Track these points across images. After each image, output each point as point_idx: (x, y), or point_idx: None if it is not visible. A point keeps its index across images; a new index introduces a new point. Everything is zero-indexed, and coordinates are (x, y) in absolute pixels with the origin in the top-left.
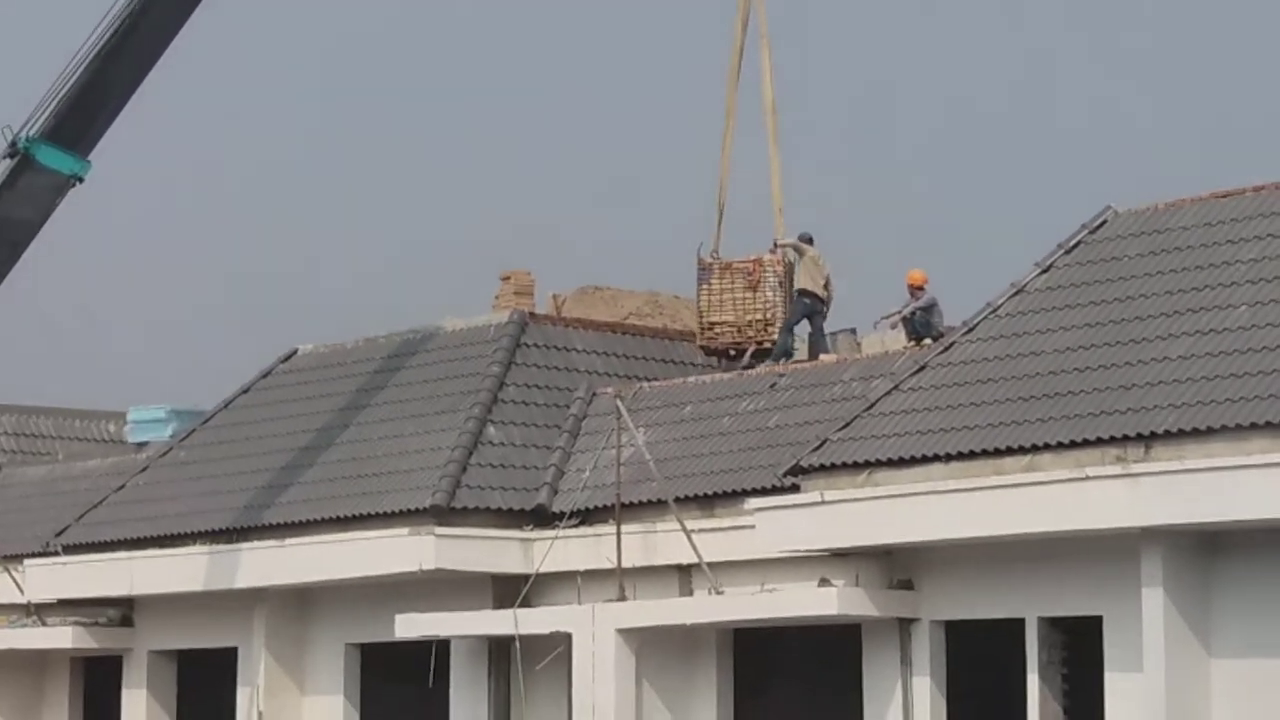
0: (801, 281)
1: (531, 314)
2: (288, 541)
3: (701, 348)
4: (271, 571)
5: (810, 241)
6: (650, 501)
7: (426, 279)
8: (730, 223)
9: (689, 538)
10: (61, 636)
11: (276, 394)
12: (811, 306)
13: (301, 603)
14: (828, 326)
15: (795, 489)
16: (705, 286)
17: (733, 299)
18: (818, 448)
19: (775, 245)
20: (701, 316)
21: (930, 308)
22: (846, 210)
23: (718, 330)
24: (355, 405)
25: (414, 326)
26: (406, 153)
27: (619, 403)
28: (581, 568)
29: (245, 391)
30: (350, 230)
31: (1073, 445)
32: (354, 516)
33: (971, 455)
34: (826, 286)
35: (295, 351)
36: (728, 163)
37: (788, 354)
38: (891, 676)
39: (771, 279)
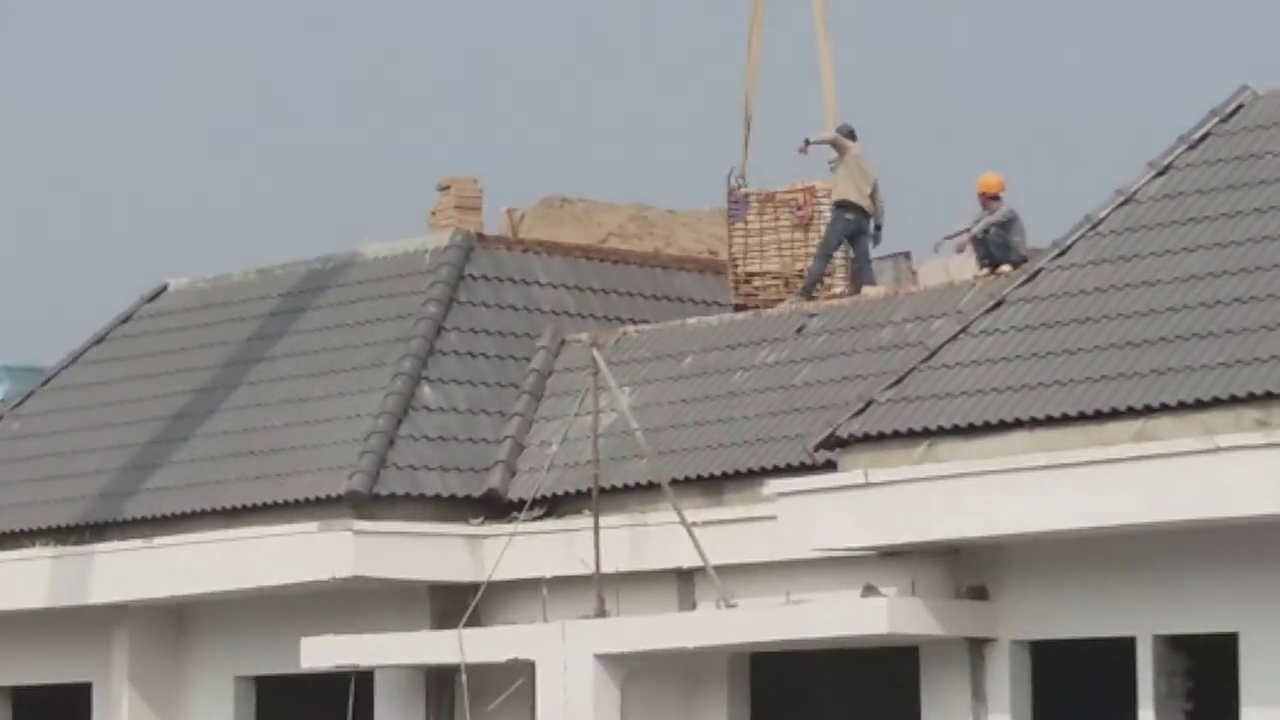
0: (841, 190)
1: (479, 235)
2: (157, 542)
3: (736, 306)
4: (136, 582)
5: (852, 136)
6: (639, 485)
7: (339, 189)
8: (762, 142)
9: (690, 533)
10: None
11: (140, 345)
12: (855, 224)
13: (176, 623)
14: (875, 250)
15: (831, 467)
16: (741, 225)
17: (776, 242)
18: (860, 412)
19: (807, 143)
20: (735, 265)
21: (1009, 224)
22: (898, 96)
23: (756, 284)
24: (245, 359)
25: (323, 253)
26: (307, 26)
27: (596, 353)
28: (548, 573)
29: (99, 342)
30: (233, 131)
31: (1200, 405)
32: (245, 508)
33: (1065, 420)
34: (873, 196)
35: (165, 288)
36: (757, 57)
37: (819, 285)
38: (959, 713)
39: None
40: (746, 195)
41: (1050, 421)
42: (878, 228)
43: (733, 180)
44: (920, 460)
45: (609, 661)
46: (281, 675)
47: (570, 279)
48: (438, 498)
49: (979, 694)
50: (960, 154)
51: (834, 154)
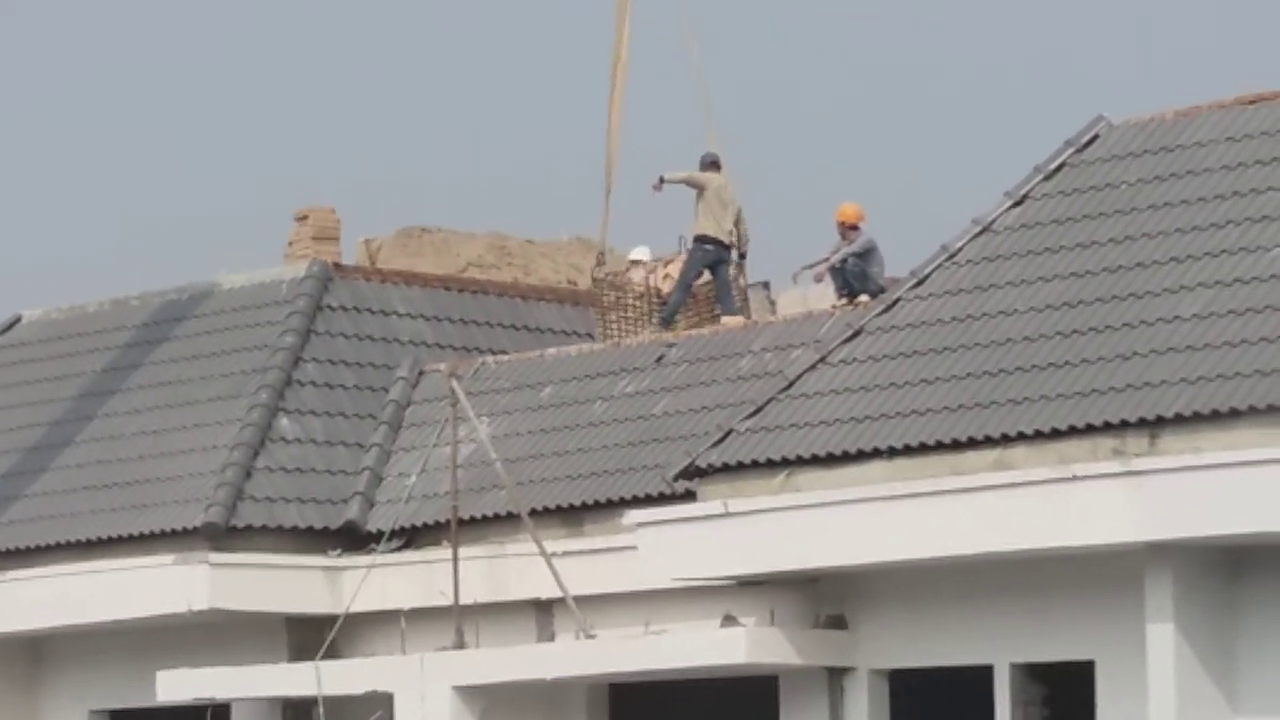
0: (701, 226)
1: (337, 265)
2: (10, 575)
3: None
4: None
5: (716, 166)
6: (498, 516)
7: (195, 219)
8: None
9: (549, 564)
10: None
11: None
12: (714, 254)
13: (31, 656)
14: (742, 280)
15: (690, 497)
16: (601, 320)
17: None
18: (719, 442)
19: (661, 181)
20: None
21: (867, 253)
22: (759, 126)
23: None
24: (100, 390)
25: (179, 284)
26: (163, 52)
27: (454, 384)
28: (406, 605)
29: None
30: (87, 159)
31: (1055, 435)
32: (101, 540)
33: (922, 449)
34: (737, 225)
35: (18, 319)
36: (618, 121)
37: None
38: None
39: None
40: (603, 282)
41: (908, 451)
42: (742, 256)
43: (596, 271)
44: (779, 490)
45: (467, 693)
46: (137, 709)
47: (429, 309)
48: (295, 529)
49: None
50: (819, 183)
51: (689, 189)
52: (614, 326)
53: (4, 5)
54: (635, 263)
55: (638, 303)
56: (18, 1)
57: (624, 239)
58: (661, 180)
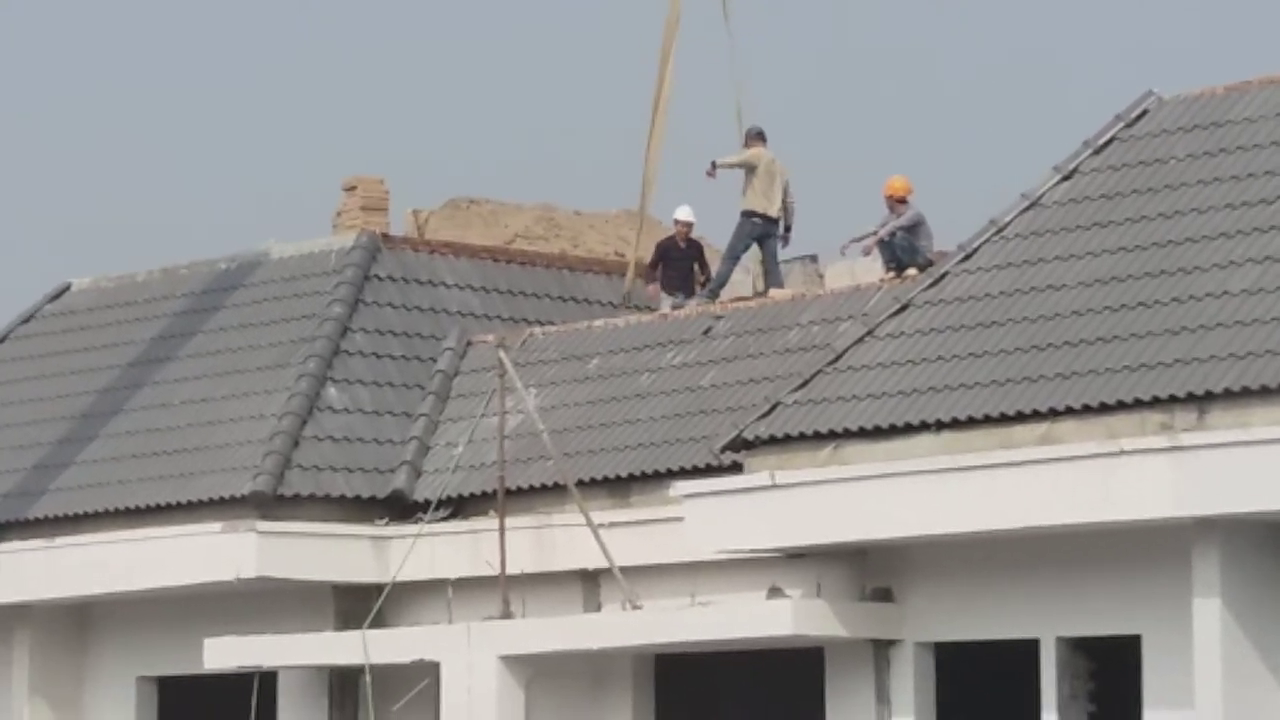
0: (749, 202)
1: (385, 236)
2: (59, 541)
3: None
4: (38, 582)
5: (762, 138)
6: (544, 486)
7: (245, 189)
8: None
9: (596, 534)
10: None
11: (42, 344)
12: (762, 228)
13: (79, 623)
14: (785, 251)
15: (737, 469)
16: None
17: None
18: (766, 414)
19: (714, 166)
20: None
21: (915, 227)
22: (807, 97)
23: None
24: (150, 359)
25: (229, 253)
26: (215, 25)
27: (502, 354)
28: (453, 575)
29: (0, 342)
30: (138, 129)
31: (1103, 409)
32: (149, 508)
33: (970, 423)
34: (785, 197)
35: (68, 287)
36: (658, 146)
37: (722, 287)
38: (864, 714)
39: None
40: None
41: (955, 424)
42: (788, 229)
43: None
44: (826, 462)
45: (514, 663)
46: (184, 676)
47: (476, 280)
48: (342, 498)
49: (883, 696)
50: (867, 156)
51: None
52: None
53: None
54: (680, 223)
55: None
56: None
57: (668, 212)
58: (714, 165)
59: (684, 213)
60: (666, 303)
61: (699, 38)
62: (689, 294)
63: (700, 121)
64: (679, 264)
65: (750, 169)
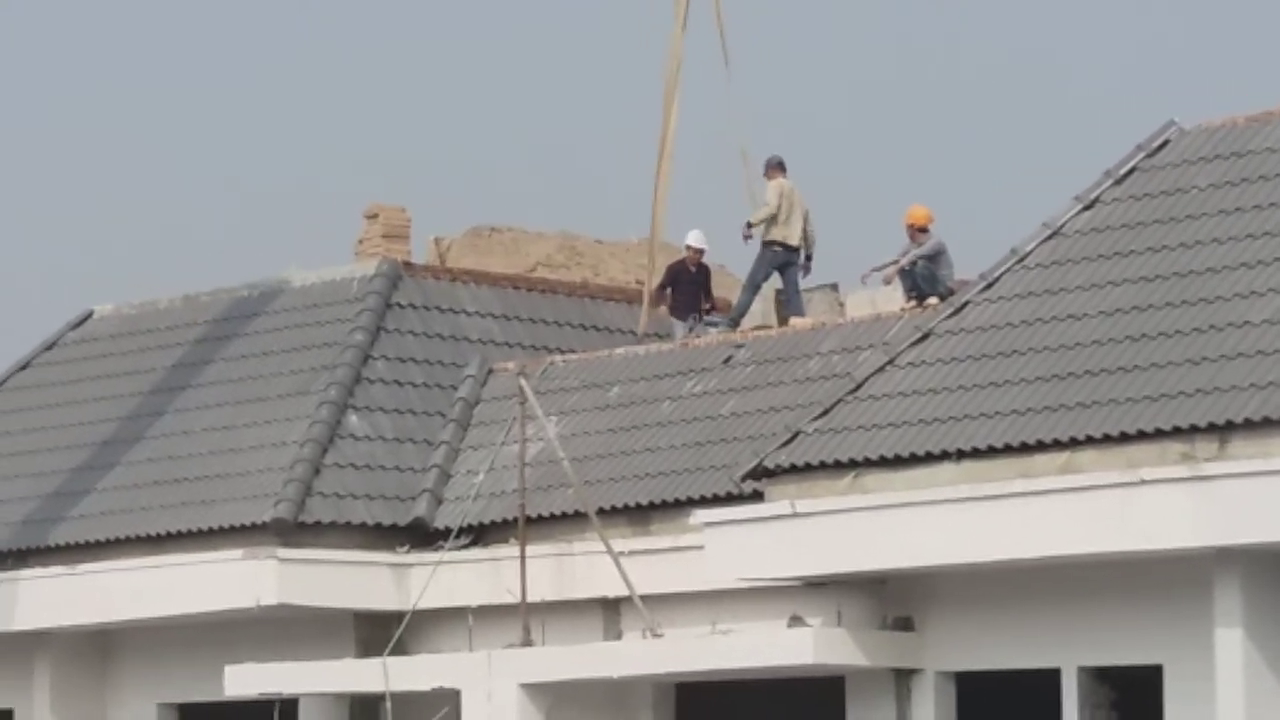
0: (769, 231)
1: (407, 264)
2: (81, 568)
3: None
4: (59, 608)
5: (782, 169)
6: (565, 514)
7: (267, 217)
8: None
9: (616, 562)
10: None
11: (65, 371)
12: (783, 256)
13: (100, 649)
14: (805, 281)
15: (758, 497)
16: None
17: None
18: (787, 443)
19: (749, 226)
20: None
21: (936, 256)
22: (828, 127)
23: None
24: (172, 386)
25: (250, 280)
26: (236, 52)
27: (523, 382)
28: (474, 602)
29: (23, 369)
30: (160, 157)
31: (1124, 439)
32: (170, 535)
33: (991, 452)
34: (806, 226)
35: (90, 314)
36: (665, 187)
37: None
38: None
39: None
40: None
41: (976, 453)
42: (808, 258)
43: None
44: (847, 491)
45: (534, 691)
46: (205, 703)
47: (498, 308)
48: (363, 526)
49: None
50: (889, 185)
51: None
52: None
53: None
54: (692, 249)
55: None
56: None
57: (681, 236)
58: (749, 226)
59: (695, 238)
60: (680, 329)
61: (707, 69)
62: (698, 319)
63: (709, 146)
64: (688, 288)
65: (774, 217)
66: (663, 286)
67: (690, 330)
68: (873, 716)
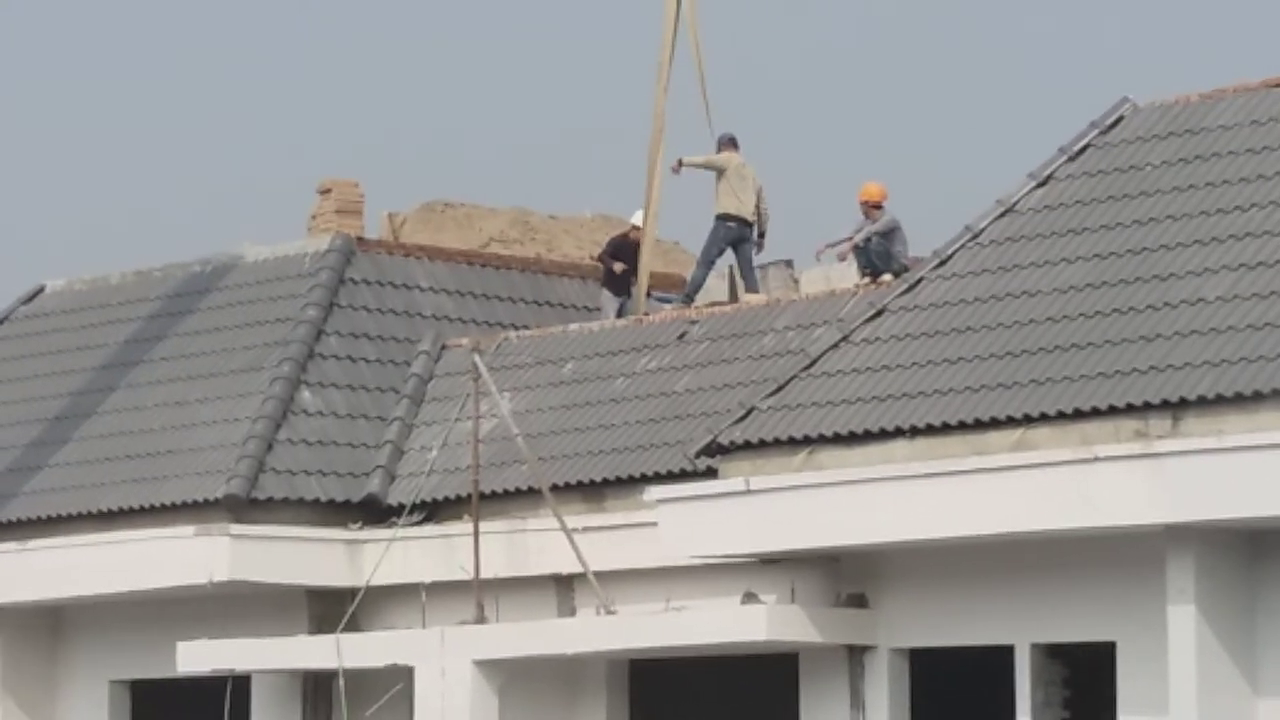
0: (722, 205)
1: (360, 239)
2: (31, 544)
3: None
4: (10, 585)
5: (734, 145)
6: (519, 491)
7: (218, 191)
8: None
9: (570, 539)
10: None
11: (15, 346)
12: (736, 232)
13: (51, 627)
14: (759, 258)
15: (712, 474)
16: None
17: None
18: (741, 419)
19: (680, 163)
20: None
21: (890, 233)
22: (781, 103)
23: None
24: (124, 361)
25: (203, 256)
26: (189, 26)
27: (477, 358)
28: (427, 579)
29: None
30: (112, 130)
31: (1078, 416)
32: (121, 511)
33: (945, 429)
34: (758, 204)
35: (41, 289)
36: (658, 180)
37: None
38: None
39: None
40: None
41: (930, 430)
42: (761, 235)
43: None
44: (801, 468)
45: (487, 667)
46: (157, 679)
47: (451, 284)
48: (316, 502)
49: (857, 702)
50: (843, 162)
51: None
52: None
53: None
54: (636, 228)
55: None
56: None
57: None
58: (680, 163)
59: (640, 218)
60: (612, 304)
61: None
62: (628, 296)
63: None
64: (629, 264)
65: (719, 171)
66: (611, 256)
67: (621, 308)
68: (826, 693)
